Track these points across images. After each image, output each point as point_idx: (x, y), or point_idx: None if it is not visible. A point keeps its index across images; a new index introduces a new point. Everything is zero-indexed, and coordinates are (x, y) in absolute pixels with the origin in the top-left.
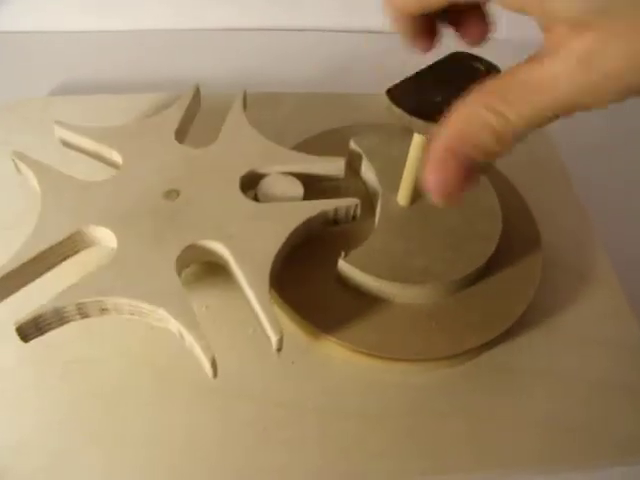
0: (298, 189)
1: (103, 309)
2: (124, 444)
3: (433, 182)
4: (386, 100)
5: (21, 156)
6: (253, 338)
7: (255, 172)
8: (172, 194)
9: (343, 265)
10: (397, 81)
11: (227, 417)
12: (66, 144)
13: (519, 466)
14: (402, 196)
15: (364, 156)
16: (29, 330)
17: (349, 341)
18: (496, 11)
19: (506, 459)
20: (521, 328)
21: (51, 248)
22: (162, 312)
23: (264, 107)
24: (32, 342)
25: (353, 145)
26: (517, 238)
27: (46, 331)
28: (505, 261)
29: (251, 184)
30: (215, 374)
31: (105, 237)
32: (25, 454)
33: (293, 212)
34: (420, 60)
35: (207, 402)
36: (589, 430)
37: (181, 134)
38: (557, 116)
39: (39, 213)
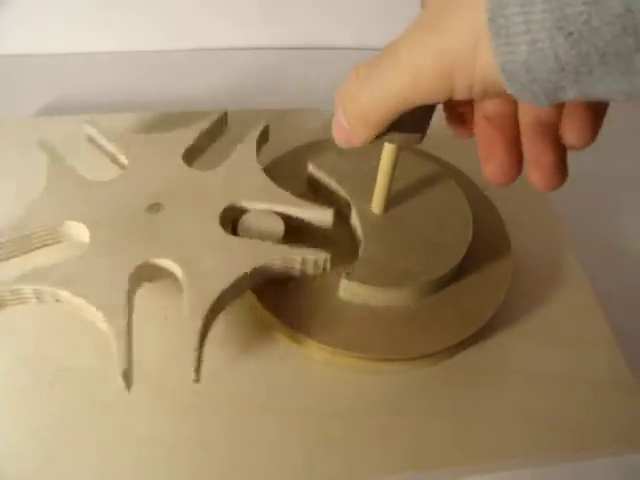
0: (278, 228)
1: (57, 300)
2: (113, 450)
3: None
4: None
5: (43, 144)
6: (233, 344)
7: (239, 207)
8: (155, 208)
9: (346, 283)
10: None
11: (212, 421)
12: (91, 141)
13: (502, 459)
14: (376, 204)
15: (327, 176)
16: None
17: (329, 343)
18: None
19: (489, 453)
20: (494, 328)
21: (33, 234)
22: (99, 315)
23: (245, 123)
24: (22, 350)
25: (312, 169)
26: (488, 242)
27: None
28: (477, 264)
29: (234, 216)
30: (128, 386)
31: (82, 234)
32: (15, 461)
33: (259, 252)
34: None
35: (192, 407)
36: (564, 423)
37: (192, 154)
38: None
39: (33, 198)
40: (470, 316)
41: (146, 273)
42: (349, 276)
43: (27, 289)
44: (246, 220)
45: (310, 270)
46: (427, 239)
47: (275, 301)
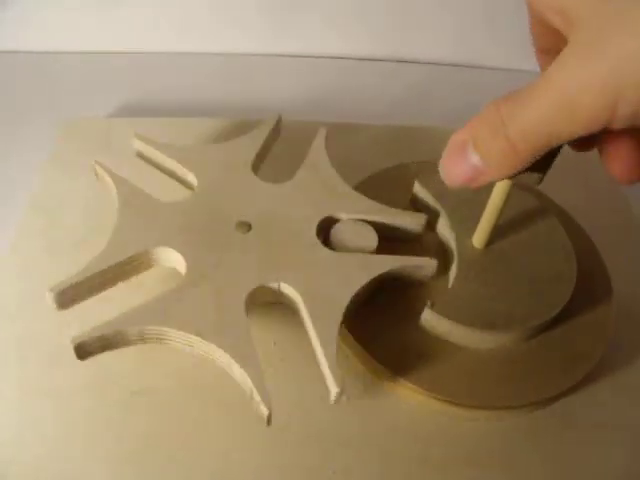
0: (372, 239)
1: (160, 338)
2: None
3: (443, 170)
4: None
5: (104, 167)
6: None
7: (334, 218)
8: (244, 226)
9: (429, 314)
10: None
11: (292, 456)
12: (142, 157)
13: None
14: (478, 238)
15: (432, 199)
16: (89, 348)
17: (420, 385)
18: None
19: None
20: (591, 377)
21: (120, 263)
22: (222, 354)
23: (338, 137)
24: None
25: (418, 188)
26: (588, 284)
27: (104, 351)
28: (576, 308)
29: (327, 228)
30: (269, 422)
31: (173, 259)
32: None
33: (368, 264)
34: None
35: (273, 440)
36: None
37: (256, 163)
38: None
39: (114, 227)
40: (569, 366)
41: (258, 297)
42: (433, 307)
43: (132, 330)
44: (337, 232)
45: (418, 278)
46: (531, 276)
47: (366, 336)
